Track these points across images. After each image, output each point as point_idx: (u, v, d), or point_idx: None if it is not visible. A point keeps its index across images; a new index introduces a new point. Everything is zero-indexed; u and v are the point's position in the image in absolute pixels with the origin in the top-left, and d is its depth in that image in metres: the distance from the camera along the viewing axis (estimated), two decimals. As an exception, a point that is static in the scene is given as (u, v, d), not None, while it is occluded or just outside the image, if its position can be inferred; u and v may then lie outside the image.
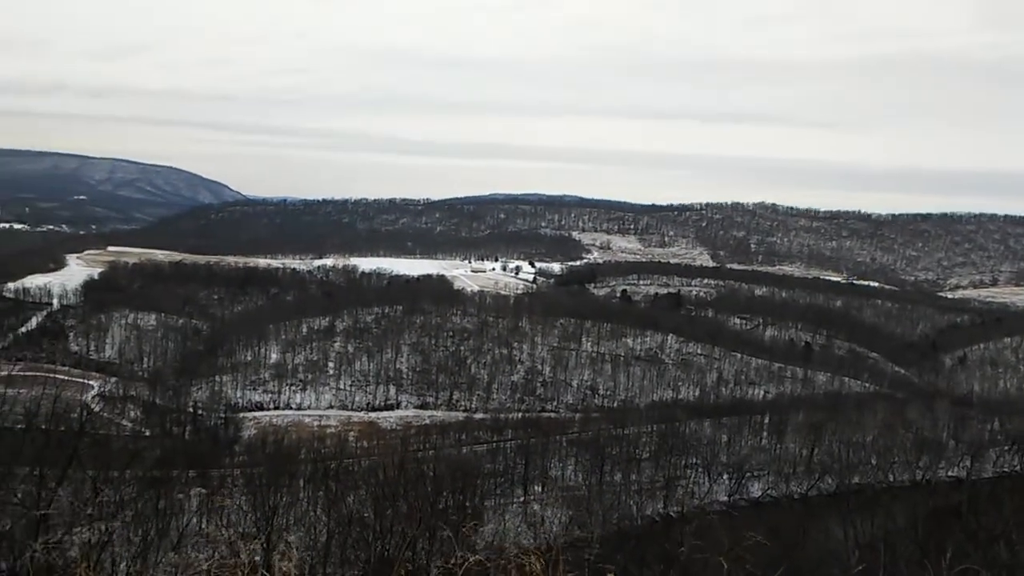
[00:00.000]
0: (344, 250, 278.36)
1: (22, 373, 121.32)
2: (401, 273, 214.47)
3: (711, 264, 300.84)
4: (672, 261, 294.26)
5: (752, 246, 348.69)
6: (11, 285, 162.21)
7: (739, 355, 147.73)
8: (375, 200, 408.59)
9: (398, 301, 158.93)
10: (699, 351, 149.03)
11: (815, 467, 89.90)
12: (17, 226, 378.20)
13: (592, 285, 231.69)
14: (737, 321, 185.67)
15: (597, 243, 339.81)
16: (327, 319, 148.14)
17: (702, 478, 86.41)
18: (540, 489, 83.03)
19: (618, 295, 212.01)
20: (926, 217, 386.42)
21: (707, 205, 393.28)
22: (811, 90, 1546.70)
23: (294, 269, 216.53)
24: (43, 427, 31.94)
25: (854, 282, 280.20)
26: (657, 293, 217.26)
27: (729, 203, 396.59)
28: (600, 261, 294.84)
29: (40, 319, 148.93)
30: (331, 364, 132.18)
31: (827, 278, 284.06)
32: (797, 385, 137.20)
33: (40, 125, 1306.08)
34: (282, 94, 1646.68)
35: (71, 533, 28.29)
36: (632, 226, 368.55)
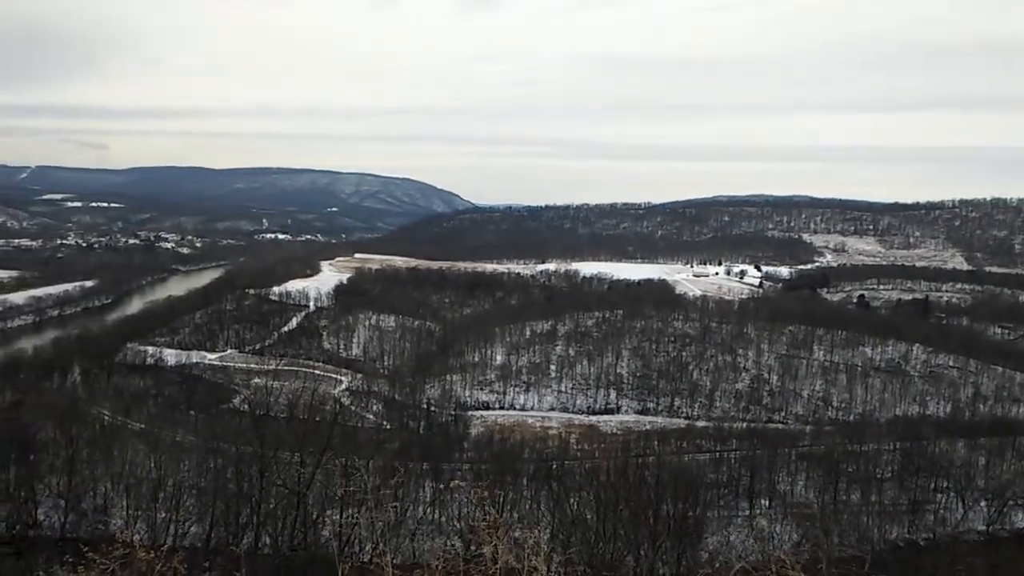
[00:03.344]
0: (566, 255, 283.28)
1: (285, 368, 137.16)
2: (622, 278, 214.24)
3: (965, 267, 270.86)
4: (918, 264, 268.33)
5: (1016, 247, 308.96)
6: (276, 289, 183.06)
7: (1000, 369, 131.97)
8: (596, 205, 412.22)
9: (619, 306, 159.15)
10: (951, 363, 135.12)
11: (1098, 500, 78.30)
12: (281, 236, 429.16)
13: (824, 290, 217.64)
14: (997, 331, 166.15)
15: (830, 245, 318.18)
16: (549, 323, 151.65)
17: (955, 503, 78.35)
18: (767, 504, 79.53)
19: (854, 301, 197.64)
20: None
21: (960, 202, 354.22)
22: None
23: (518, 274, 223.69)
24: (302, 417, 35.74)
25: None
26: (900, 299, 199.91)
27: (988, 199, 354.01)
28: (833, 264, 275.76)
29: (299, 319, 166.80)
30: (553, 367, 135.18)
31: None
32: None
33: (299, 146, 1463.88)
34: (512, 105, 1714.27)
35: (324, 515, 31.39)
36: (871, 227, 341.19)
